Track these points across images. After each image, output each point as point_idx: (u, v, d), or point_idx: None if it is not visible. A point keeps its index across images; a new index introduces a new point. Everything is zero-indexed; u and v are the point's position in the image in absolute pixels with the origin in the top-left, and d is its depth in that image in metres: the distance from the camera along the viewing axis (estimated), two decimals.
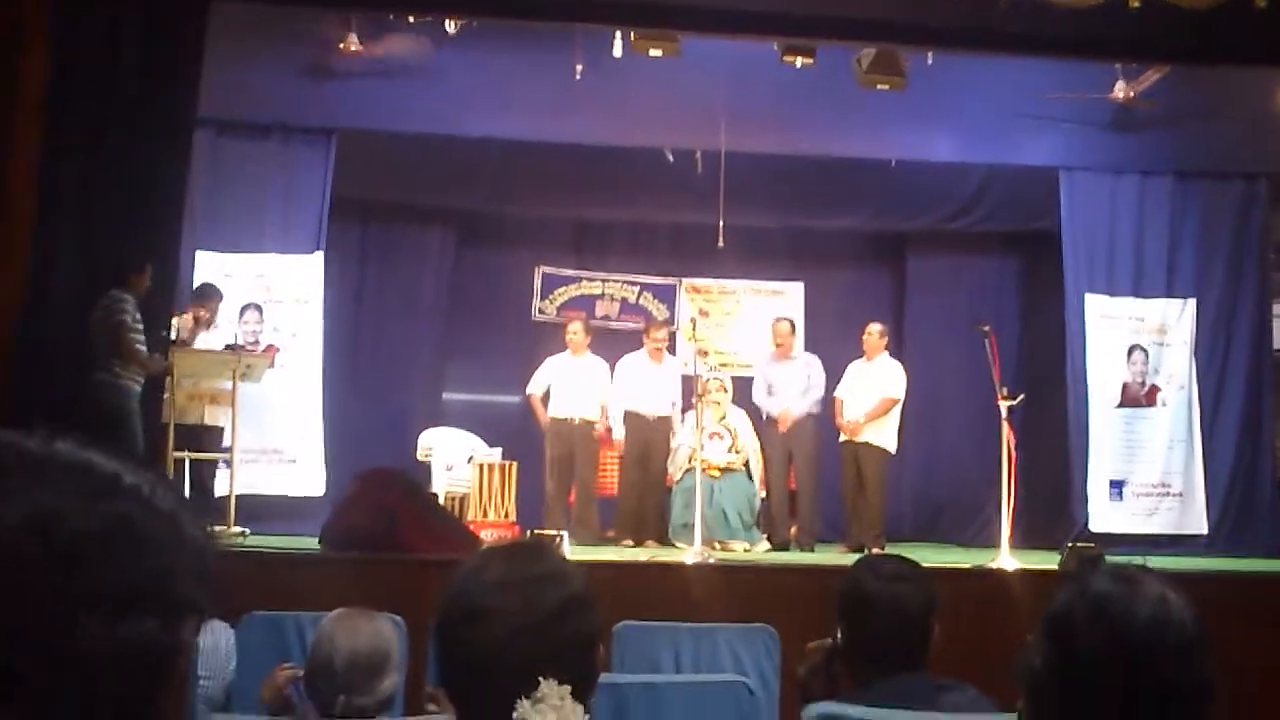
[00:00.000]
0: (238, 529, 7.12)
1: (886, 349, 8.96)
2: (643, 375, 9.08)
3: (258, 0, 7.17)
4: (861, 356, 8.96)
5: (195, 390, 7.54)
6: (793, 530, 8.83)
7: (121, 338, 6.53)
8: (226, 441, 7.72)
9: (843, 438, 8.79)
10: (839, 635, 2.68)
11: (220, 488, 7.63)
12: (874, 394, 8.72)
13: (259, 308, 8.71)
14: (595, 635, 1.55)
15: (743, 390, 9.46)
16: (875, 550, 8.12)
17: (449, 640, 1.51)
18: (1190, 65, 8.15)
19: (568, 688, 1.43)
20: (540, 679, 1.42)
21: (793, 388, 8.92)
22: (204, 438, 7.63)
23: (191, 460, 7.30)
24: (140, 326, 6.60)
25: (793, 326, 9.18)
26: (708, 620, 4.44)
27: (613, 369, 9.14)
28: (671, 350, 9.70)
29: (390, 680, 2.71)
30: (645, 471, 8.95)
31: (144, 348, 6.64)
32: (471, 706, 1.50)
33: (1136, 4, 6.43)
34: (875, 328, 8.97)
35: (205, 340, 7.78)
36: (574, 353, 9.09)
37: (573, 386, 8.97)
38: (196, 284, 8.13)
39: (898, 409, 8.78)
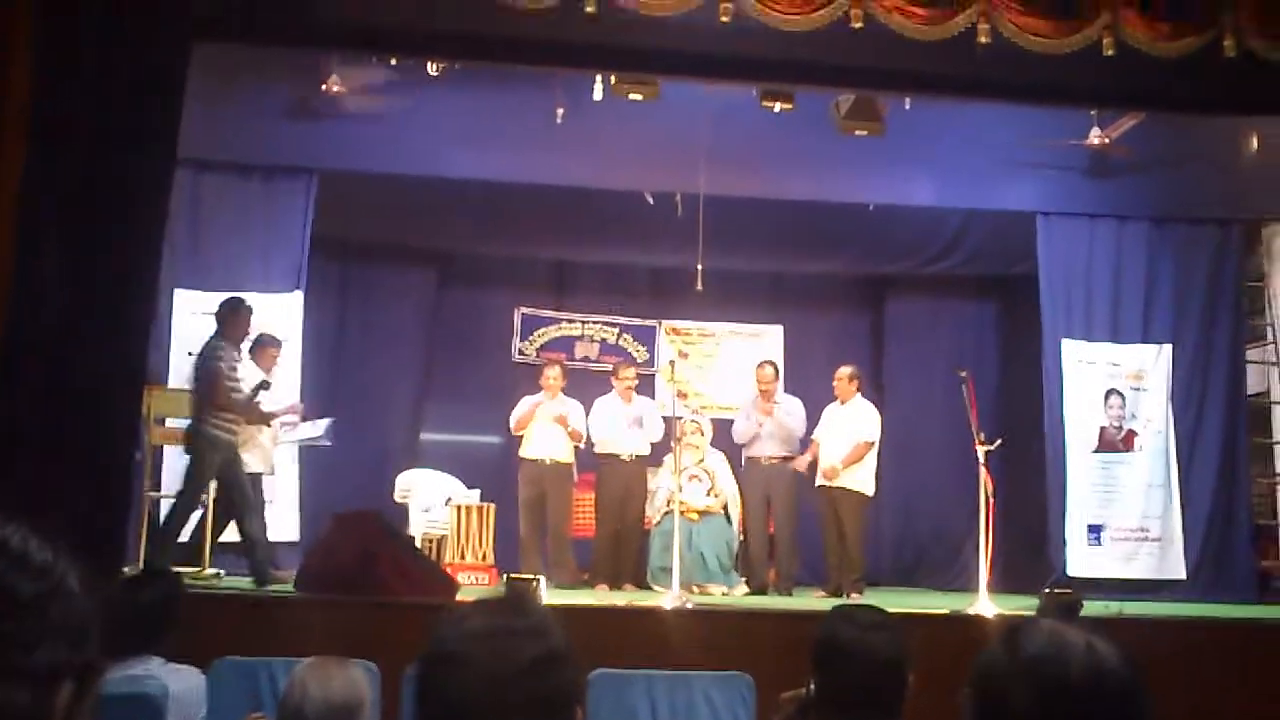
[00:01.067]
0: (212, 571, 7.06)
1: (859, 391, 8.95)
2: (615, 416, 9.06)
3: (240, 40, 7.16)
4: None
5: (170, 431, 7.48)
6: (771, 574, 8.79)
7: (216, 386, 6.67)
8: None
9: (820, 482, 8.77)
10: (812, 685, 2.66)
11: (197, 530, 7.58)
12: (848, 437, 8.71)
13: (238, 347, 8.65)
14: (571, 696, 1.51)
15: (723, 432, 9.46)
16: (854, 595, 8.11)
17: (424, 685, 1.50)
18: (1164, 112, 8.24)
19: None
20: None
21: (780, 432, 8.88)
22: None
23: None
24: (237, 374, 6.75)
25: (776, 371, 9.15)
26: (684, 666, 4.42)
27: (588, 410, 9.12)
28: (649, 392, 9.69)
29: None
30: (622, 514, 8.92)
31: (241, 395, 6.66)
32: None
33: (1111, 51, 6.50)
34: (845, 371, 8.97)
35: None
36: (550, 395, 9.06)
37: (545, 428, 8.93)
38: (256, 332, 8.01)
39: (873, 452, 8.77)
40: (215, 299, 8.55)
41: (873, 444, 8.76)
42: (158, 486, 7.75)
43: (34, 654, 0.86)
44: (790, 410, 8.92)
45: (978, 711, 1.55)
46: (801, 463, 8.80)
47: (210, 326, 8.38)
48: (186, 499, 6.98)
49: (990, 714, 1.53)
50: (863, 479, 8.71)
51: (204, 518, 7.36)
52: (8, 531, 0.88)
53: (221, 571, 7.12)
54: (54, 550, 0.92)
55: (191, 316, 8.47)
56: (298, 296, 8.80)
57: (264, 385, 7.24)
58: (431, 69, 8.05)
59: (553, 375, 9.11)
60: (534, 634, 1.51)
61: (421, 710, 1.50)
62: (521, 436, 9.05)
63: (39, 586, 0.88)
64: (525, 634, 1.50)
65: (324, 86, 8.36)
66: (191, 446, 6.94)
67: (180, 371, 8.12)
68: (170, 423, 7.61)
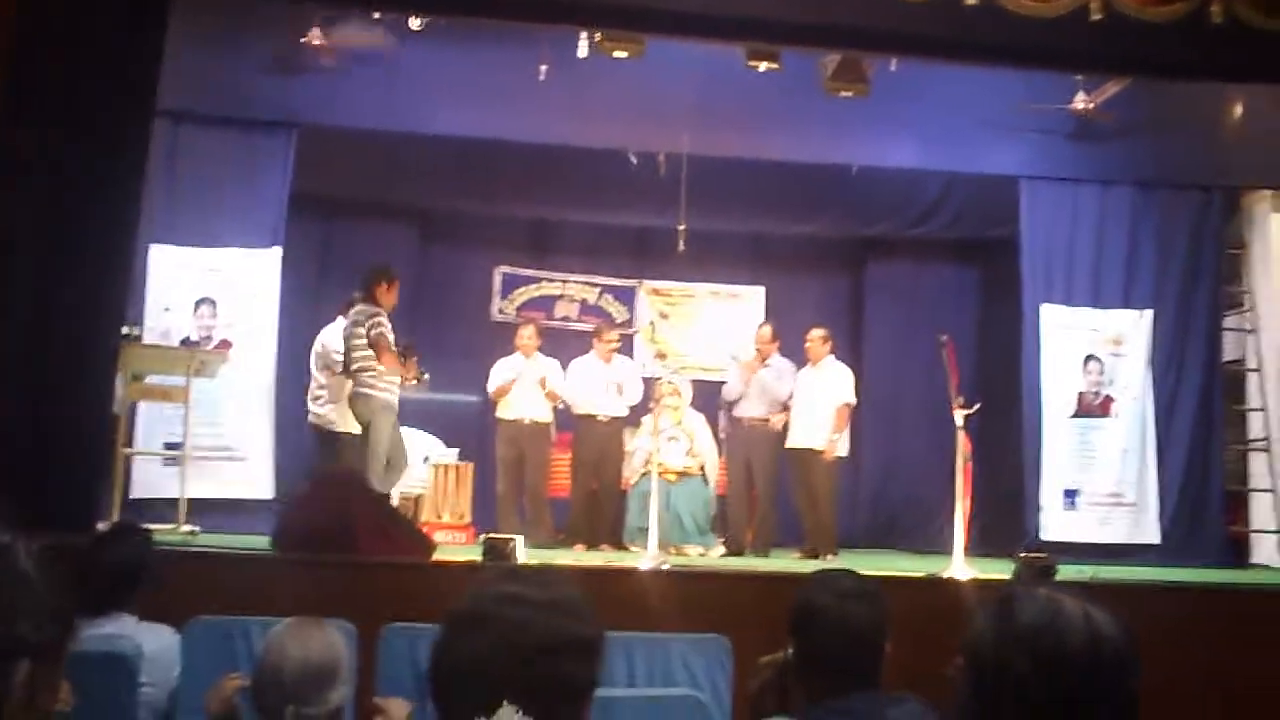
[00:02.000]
0: (187, 527, 7.04)
1: (832, 352, 8.95)
2: (593, 377, 9.04)
3: None
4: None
5: (146, 387, 7.42)
6: (749, 535, 8.83)
7: (387, 352, 7.07)
8: (171, 438, 7.72)
9: (793, 445, 8.79)
10: (790, 650, 2.67)
11: (167, 487, 7.55)
12: (825, 400, 8.72)
13: (213, 302, 8.59)
14: (584, 687, 1.48)
15: (702, 393, 9.45)
16: (828, 556, 8.15)
17: (444, 637, 1.48)
18: (1149, 78, 8.23)
19: None
20: (505, 703, 1.38)
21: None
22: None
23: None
24: (391, 338, 7.16)
25: (774, 334, 9.11)
26: (661, 628, 4.42)
27: (565, 370, 9.10)
28: (629, 352, 9.68)
29: (340, 692, 2.68)
30: (598, 474, 8.94)
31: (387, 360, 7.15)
32: (443, 711, 1.47)
33: (1098, 16, 6.49)
34: (817, 333, 8.98)
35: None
36: (525, 355, 9.02)
37: (523, 388, 8.90)
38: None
39: (839, 408, 8.80)
40: (191, 254, 8.51)
41: (852, 405, 8.78)
42: (131, 443, 7.70)
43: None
44: (780, 373, 8.93)
45: (973, 682, 1.54)
46: (778, 422, 8.83)
47: (188, 281, 8.39)
48: (379, 466, 7.21)
49: (986, 685, 1.52)
50: (839, 441, 8.76)
51: (181, 475, 7.34)
52: None
53: (196, 528, 7.09)
54: (8, 530, 0.92)
55: (168, 271, 8.39)
56: (276, 253, 8.71)
57: (410, 349, 7.60)
58: (414, 23, 7.96)
59: (527, 335, 9.08)
60: (565, 611, 1.47)
61: (438, 663, 1.47)
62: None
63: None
64: (555, 608, 1.47)
65: (305, 40, 8.26)
66: (365, 413, 7.28)
67: (157, 330, 8.04)
68: (152, 379, 7.53)
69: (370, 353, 7.24)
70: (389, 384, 7.33)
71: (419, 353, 7.68)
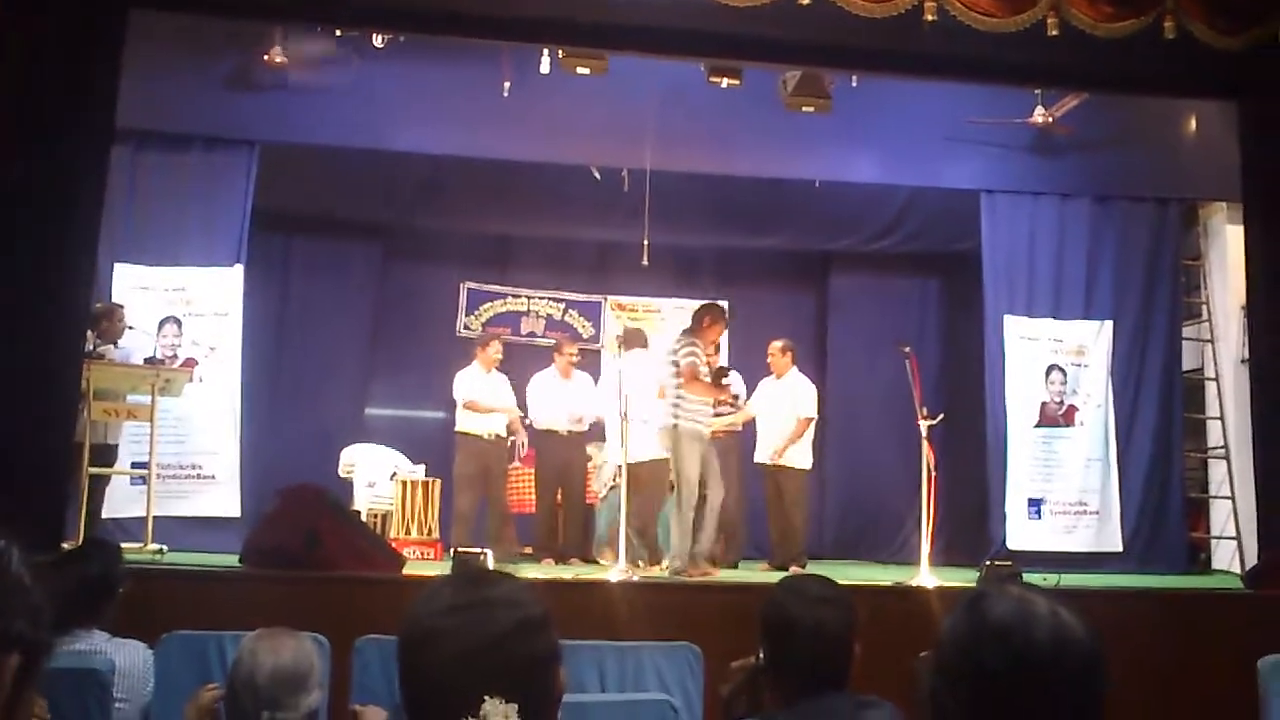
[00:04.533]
0: (155, 546, 6.99)
1: (794, 364, 8.99)
2: (554, 393, 9.03)
3: (178, 9, 7.04)
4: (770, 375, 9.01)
5: (111, 406, 7.37)
6: (720, 547, 8.84)
7: (700, 381, 7.20)
8: (128, 459, 7.68)
9: (760, 460, 8.82)
10: (761, 654, 2.70)
11: (137, 506, 7.50)
12: (786, 412, 8.76)
13: (178, 321, 8.56)
14: (549, 657, 1.54)
15: None
16: (795, 568, 8.18)
17: (403, 664, 1.52)
18: (1105, 93, 8.36)
19: (514, 706, 1.43)
20: (486, 698, 1.43)
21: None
22: (103, 455, 7.44)
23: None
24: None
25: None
26: (632, 638, 4.44)
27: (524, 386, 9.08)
28: (596, 367, 9.69)
29: (313, 696, 2.70)
30: (563, 489, 8.93)
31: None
32: None
33: (1055, 32, 6.59)
34: (776, 345, 8.99)
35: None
36: (487, 369, 8.99)
37: (485, 403, 8.87)
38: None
39: (811, 426, 8.84)
40: (154, 273, 8.48)
41: (812, 419, 8.82)
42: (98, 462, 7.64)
43: None
44: (737, 386, 9.00)
45: (938, 674, 1.57)
46: (738, 418, 8.87)
47: (152, 300, 8.36)
48: (687, 495, 7.20)
49: (950, 677, 1.56)
50: (801, 453, 8.79)
51: (148, 494, 7.29)
52: None
53: (164, 547, 7.05)
54: (2, 541, 0.96)
55: (131, 291, 8.35)
56: (239, 270, 8.70)
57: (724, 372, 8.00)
58: (376, 41, 7.99)
59: (496, 350, 9.01)
60: (505, 603, 1.52)
61: (405, 689, 1.52)
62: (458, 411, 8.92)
63: None
64: (500, 604, 1.52)
65: (266, 58, 8.25)
66: (678, 442, 7.25)
67: (124, 349, 7.99)
68: (131, 398, 7.47)
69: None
70: (700, 412, 7.40)
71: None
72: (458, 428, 8.85)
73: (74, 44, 6.24)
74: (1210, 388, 9.89)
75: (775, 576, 3.53)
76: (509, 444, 8.95)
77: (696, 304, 11.03)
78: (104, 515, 7.51)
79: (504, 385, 8.98)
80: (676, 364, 7.33)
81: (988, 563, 6.97)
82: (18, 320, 5.99)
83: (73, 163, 6.21)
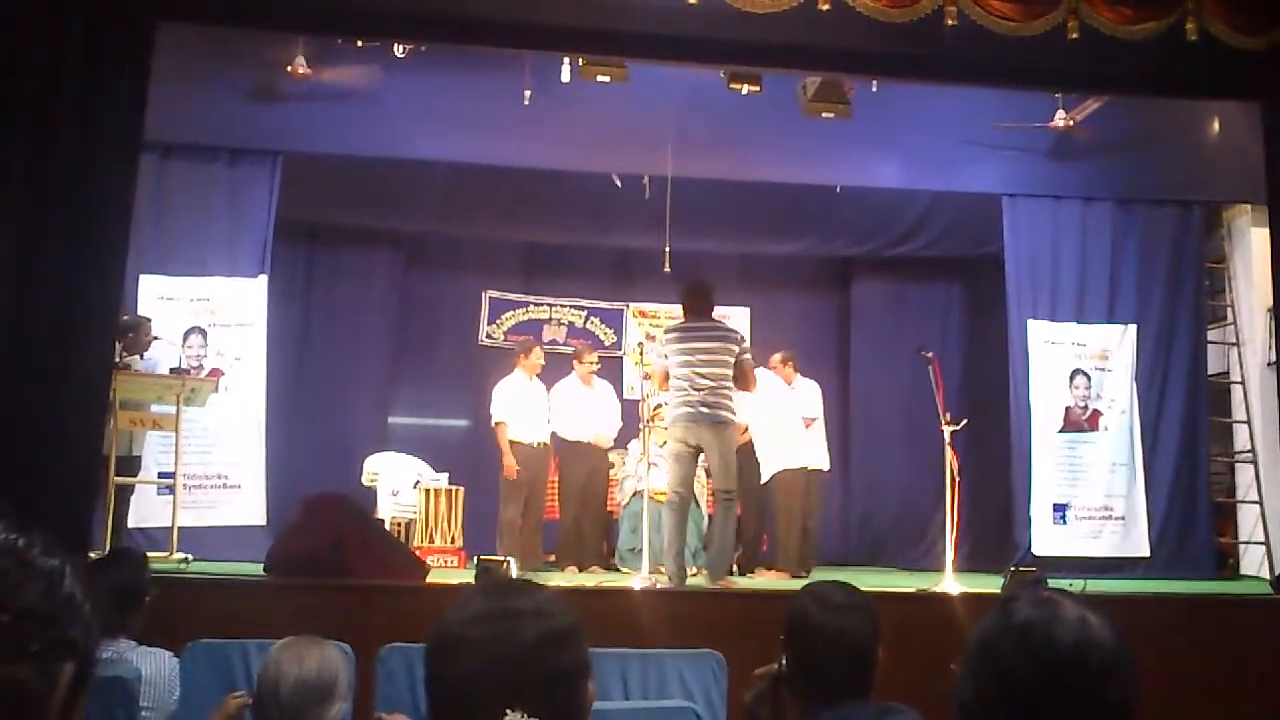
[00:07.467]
0: (180, 555, 7.03)
1: (795, 370, 9.02)
2: (576, 401, 9.06)
3: (204, 22, 7.08)
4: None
5: (137, 416, 7.42)
6: (739, 555, 8.83)
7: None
8: (154, 469, 7.75)
9: (786, 466, 8.80)
10: (784, 662, 2.69)
11: (163, 515, 7.56)
12: (796, 417, 8.81)
13: (203, 331, 8.61)
14: (577, 672, 1.52)
15: None
16: (804, 574, 8.18)
17: (430, 672, 1.52)
18: (1127, 95, 8.31)
19: None
20: (508, 711, 1.42)
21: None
22: (128, 466, 7.50)
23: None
24: None
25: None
26: (655, 645, 4.44)
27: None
28: (619, 375, 9.70)
29: (338, 707, 2.71)
30: (585, 497, 8.94)
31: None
32: None
33: (1076, 35, 6.56)
34: (776, 357, 9.06)
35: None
36: (530, 376, 9.04)
37: (532, 411, 8.92)
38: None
39: (821, 423, 8.84)
40: (179, 284, 8.54)
41: (817, 418, 8.93)
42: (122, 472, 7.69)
43: (40, 636, 0.93)
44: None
45: (965, 675, 1.57)
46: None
47: (174, 312, 8.41)
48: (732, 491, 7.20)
49: (976, 679, 1.56)
50: (817, 455, 8.83)
51: (174, 503, 7.33)
52: (16, 539, 0.96)
53: (189, 556, 7.08)
54: (58, 553, 1.00)
55: (156, 301, 8.40)
56: (263, 281, 8.74)
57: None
58: (398, 51, 8.01)
59: (538, 355, 9.13)
60: (537, 614, 1.51)
61: (431, 697, 1.52)
62: (504, 425, 8.91)
63: (44, 586, 0.96)
64: (528, 615, 1.51)
65: (289, 69, 8.30)
66: (722, 435, 7.16)
67: (150, 360, 8.04)
68: (156, 408, 7.52)
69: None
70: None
71: None
72: (510, 436, 8.84)
73: (102, 58, 6.28)
74: (1237, 391, 9.82)
75: (798, 584, 3.52)
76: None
77: (718, 310, 11.10)
78: (130, 525, 7.57)
79: (543, 394, 9.02)
80: (740, 359, 7.21)
81: (1012, 569, 6.94)
82: (48, 332, 6.04)
83: (101, 175, 6.25)
